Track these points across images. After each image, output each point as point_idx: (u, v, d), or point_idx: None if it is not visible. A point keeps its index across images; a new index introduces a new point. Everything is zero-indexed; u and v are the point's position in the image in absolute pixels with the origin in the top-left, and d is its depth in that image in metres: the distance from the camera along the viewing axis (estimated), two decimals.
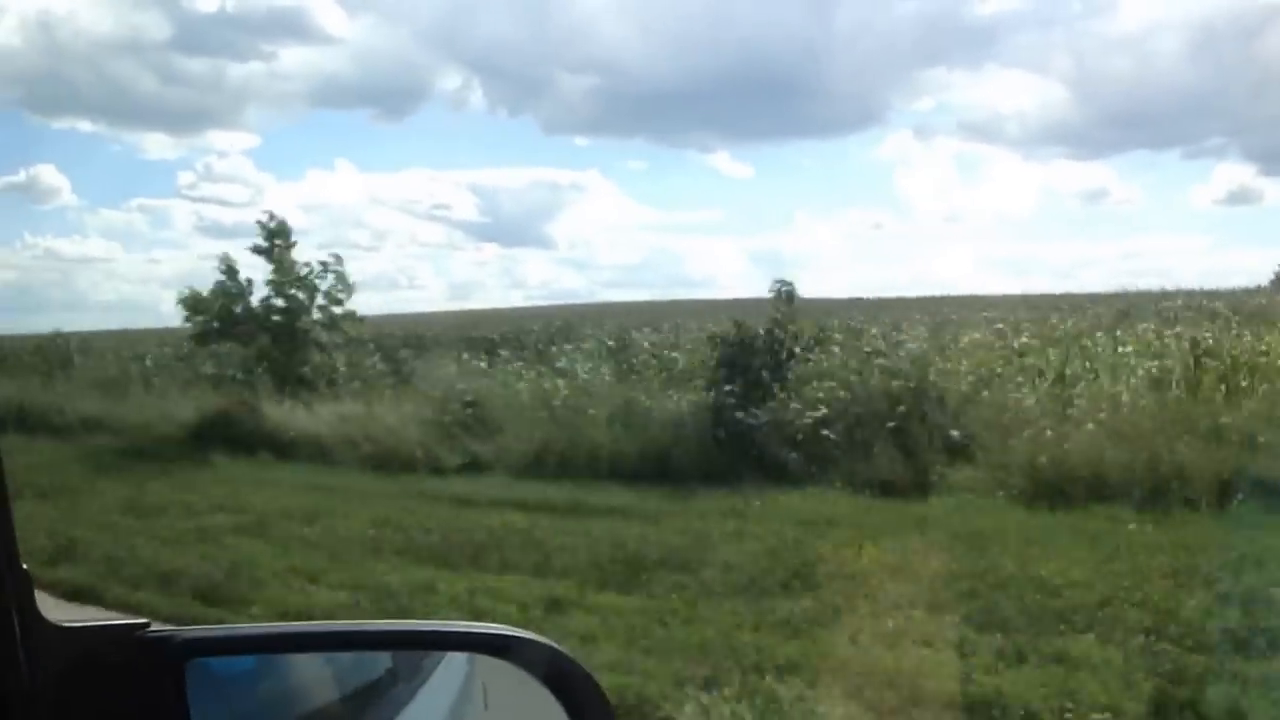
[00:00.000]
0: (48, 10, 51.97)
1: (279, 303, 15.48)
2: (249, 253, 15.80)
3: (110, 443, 13.91)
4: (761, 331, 11.70)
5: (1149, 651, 5.09)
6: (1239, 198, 52.96)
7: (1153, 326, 14.86)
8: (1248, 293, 21.80)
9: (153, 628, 1.11)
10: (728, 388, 11.00)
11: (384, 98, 60.42)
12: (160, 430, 14.10)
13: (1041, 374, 11.56)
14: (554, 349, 17.81)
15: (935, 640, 5.37)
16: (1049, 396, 10.46)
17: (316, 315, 15.64)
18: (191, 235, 59.06)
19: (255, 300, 15.57)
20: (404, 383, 15.09)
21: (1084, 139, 50.35)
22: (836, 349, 12.46)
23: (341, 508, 9.30)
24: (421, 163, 66.33)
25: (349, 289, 15.79)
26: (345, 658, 1.52)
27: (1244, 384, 9.94)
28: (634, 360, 15.22)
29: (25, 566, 0.98)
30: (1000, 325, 17.01)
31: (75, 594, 6.69)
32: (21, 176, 51.14)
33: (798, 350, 11.69)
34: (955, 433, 9.77)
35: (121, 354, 21.50)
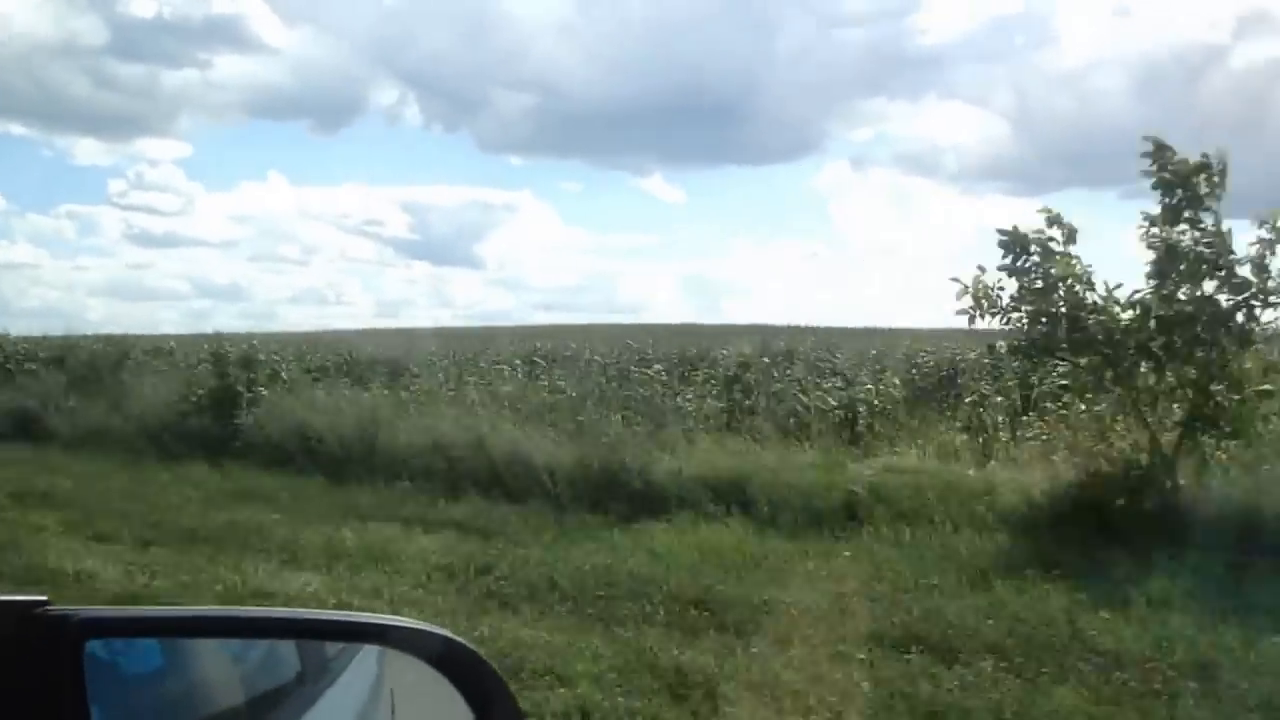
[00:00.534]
0: None
1: None
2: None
3: None
4: None
5: None
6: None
7: None
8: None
9: (51, 605, 1.09)
10: None
11: (319, 110, 60.21)
12: None
13: None
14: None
15: None
16: None
17: None
18: (120, 243, 58.22)
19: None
20: None
21: (1021, 175, 51.63)
22: None
23: None
24: (355, 177, 66.34)
25: None
26: (253, 656, 1.51)
27: None
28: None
29: None
30: None
31: None
32: None
33: None
34: None
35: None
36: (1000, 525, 7.52)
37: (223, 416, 12.50)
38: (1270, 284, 7.27)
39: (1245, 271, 7.33)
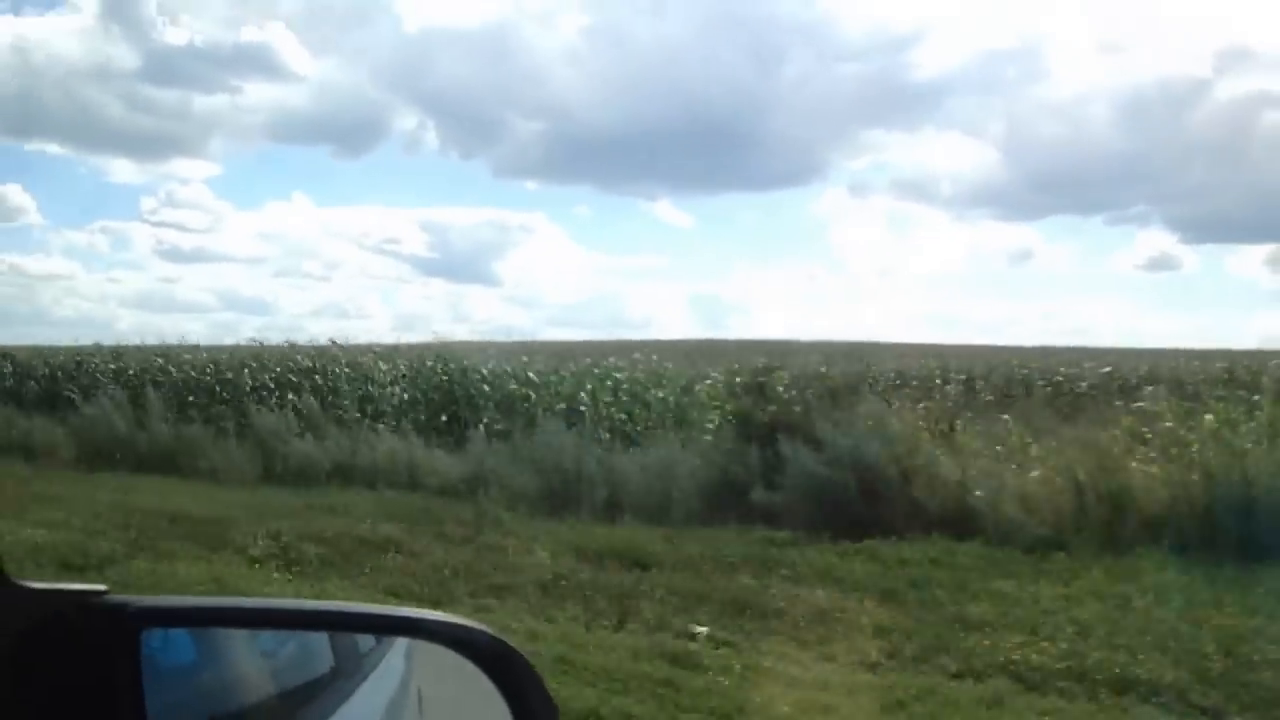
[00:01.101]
0: (23, 35, 53.31)
1: None
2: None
3: None
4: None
5: None
6: (1159, 264, 55.33)
7: None
8: None
9: (110, 594, 1.14)
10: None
11: (343, 135, 61.40)
12: None
13: None
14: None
15: None
16: None
17: None
18: (150, 257, 59.90)
19: None
20: None
21: (1013, 201, 52.30)
22: None
23: None
24: (375, 199, 67.75)
25: None
26: (289, 651, 1.55)
27: None
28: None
29: None
30: None
31: None
32: None
33: None
34: None
35: None
36: None
37: None
38: None
39: None
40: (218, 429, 13.86)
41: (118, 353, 19.49)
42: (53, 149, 61.27)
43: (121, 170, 67.27)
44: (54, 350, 21.52)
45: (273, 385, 15.97)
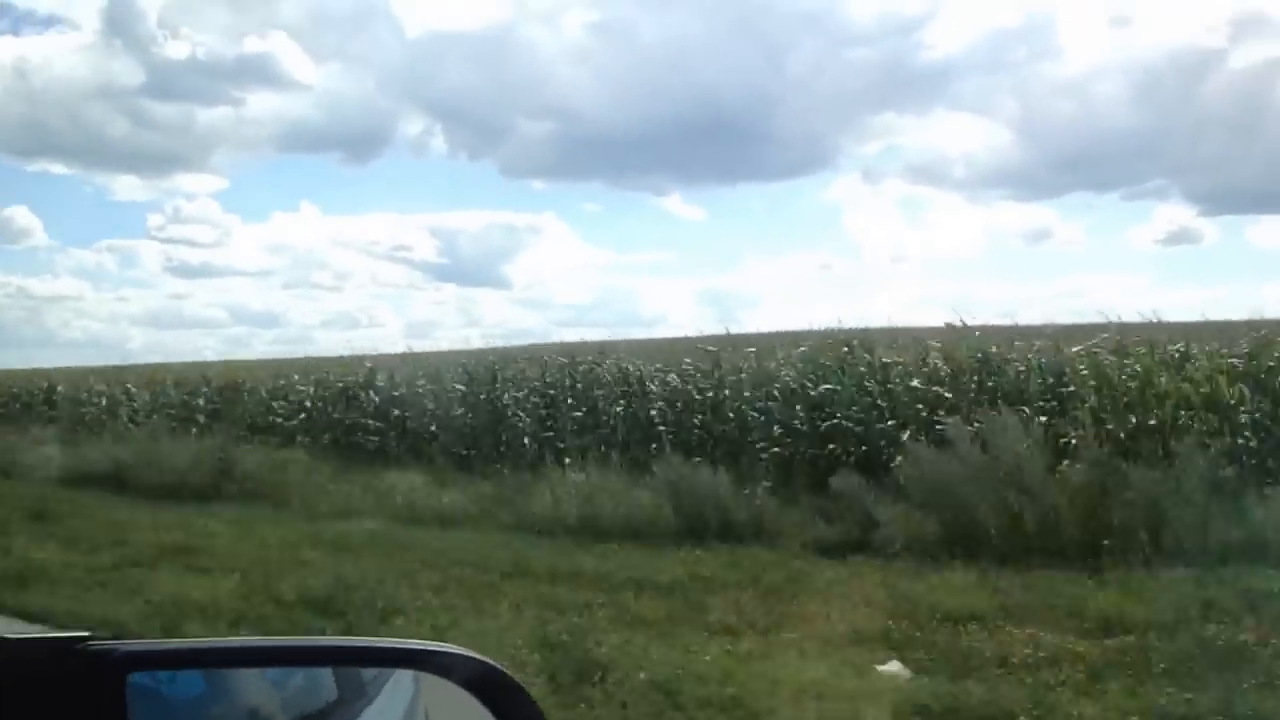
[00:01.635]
0: (24, 57, 53.74)
1: None
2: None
3: None
4: None
5: None
6: (1178, 238, 55.09)
7: None
8: None
9: (93, 641, 1.11)
10: None
11: (349, 143, 61.39)
12: None
13: None
14: None
15: None
16: None
17: None
18: (159, 275, 60.23)
19: None
20: None
21: (1027, 181, 51.93)
22: None
23: None
24: (384, 206, 67.85)
25: None
26: (292, 683, 1.53)
27: None
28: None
29: None
30: None
31: None
32: None
33: None
34: None
35: None
36: None
37: None
38: None
39: None
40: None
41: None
42: (57, 169, 61.73)
43: (127, 188, 67.74)
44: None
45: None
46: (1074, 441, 8.71)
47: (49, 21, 66.99)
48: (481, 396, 13.61)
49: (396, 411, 14.37)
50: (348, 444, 14.41)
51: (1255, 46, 42.70)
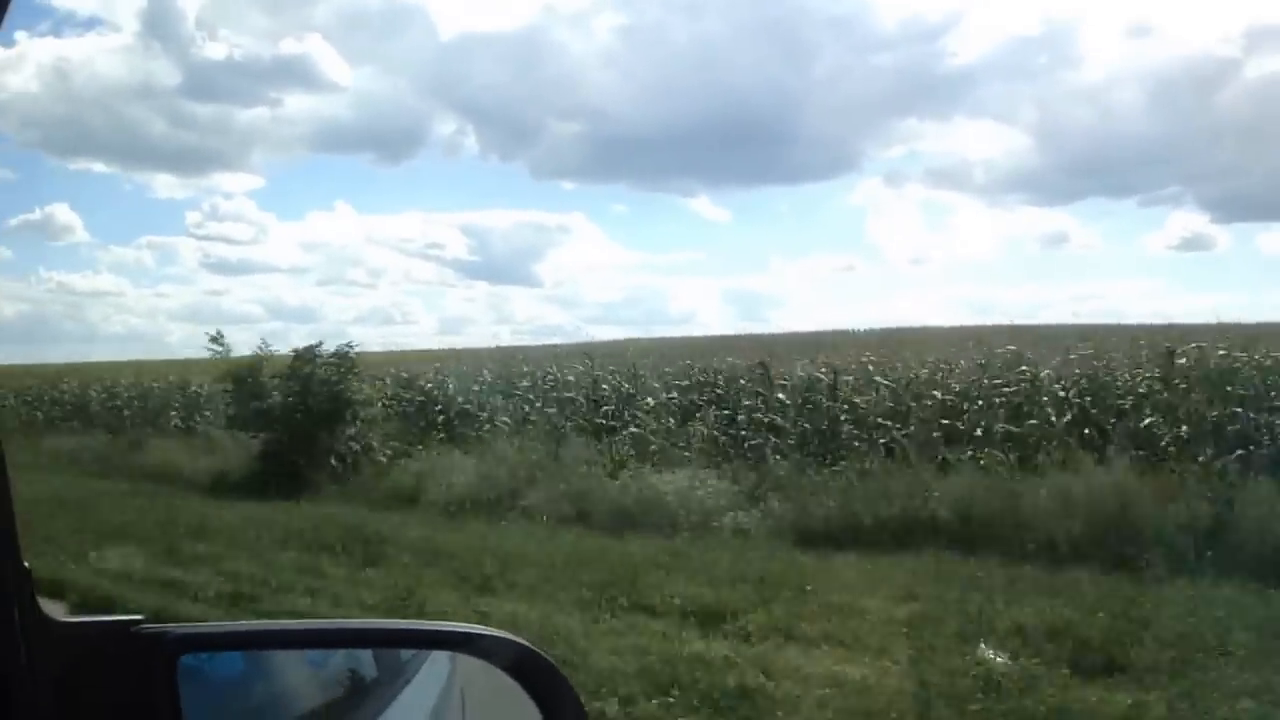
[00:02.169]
0: (65, 58, 54.65)
1: None
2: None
3: None
4: None
5: None
6: (1192, 244, 54.77)
7: None
8: None
9: (145, 624, 1.15)
10: None
11: (382, 143, 61.94)
12: None
13: None
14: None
15: None
16: None
17: None
18: (197, 271, 61.28)
19: None
20: None
21: (1046, 186, 51.72)
22: None
23: None
24: (416, 205, 68.34)
25: None
26: (332, 663, 1.57)
27: None
28: None
29: (27, 564, 1.02)
30: None
31: None
32: (38, 215, 54.09)
33: None
34: None
35: None
36: None
37: None
38: None
39: None
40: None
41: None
42: (98, 168, 62.92)
43: (165, 186, 68.87)
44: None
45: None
46: None
47: (89, 23, 68.19)
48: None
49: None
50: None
51: (1269, 57, 42.09)
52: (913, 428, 11.20)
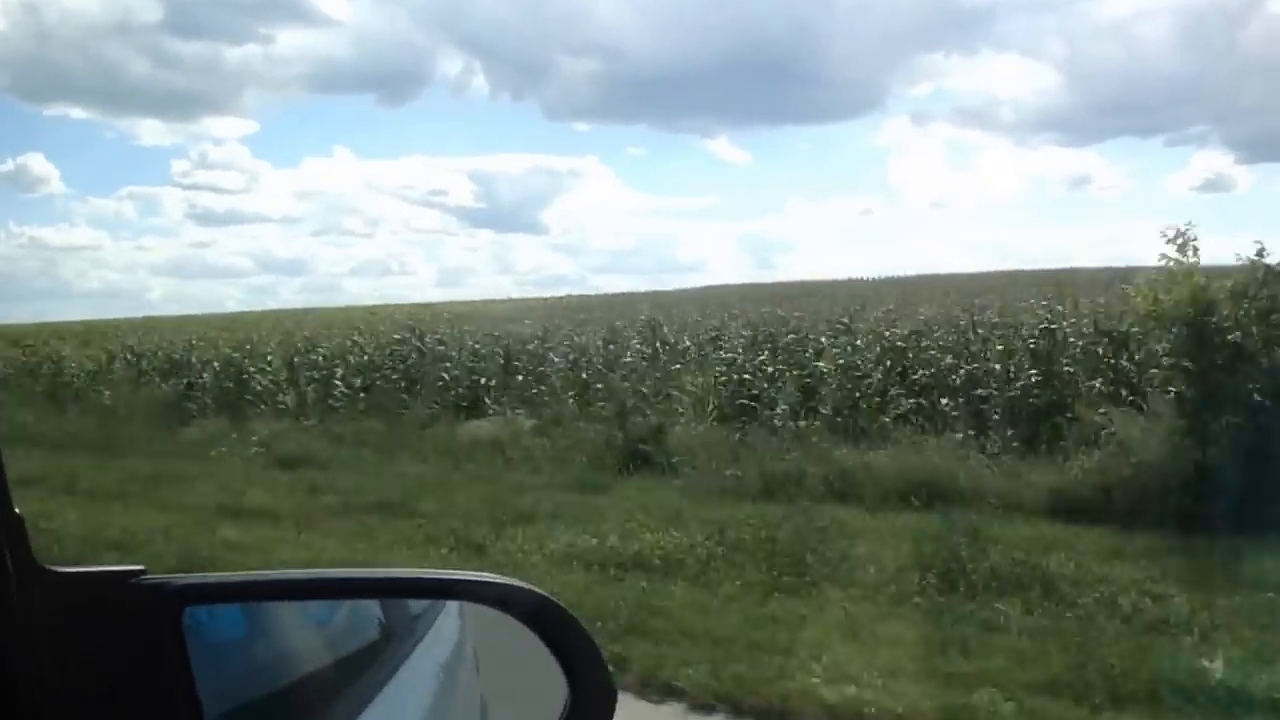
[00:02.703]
0: None
1: None
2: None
3: None
4: None
5: None
6: (1214, 185, 54.28)
7: None
8: None
9: (146, 574, 1.12)
10: None
11: (384, 82, 61.01)
12: None
13: None
14: None
15: None
16: None
17: None
18: (182, 223, 60.12)
19: None
20: None
21: (1074, 125, 51.36)
22: None
23: None
24: (421, 149, 67.66)
25: None
26: (337, 620, 1.54)
27: None
28: None
29: (19, 511, 0.98)
30: None
31: None
32: (9, 165, 52.26)
33: None
34: None
35: None
36: None
37: None
38: None
39: None
40: None
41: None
42: (76, 113, 61.94)
43: (150, 132, 67.53)
44: None
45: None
46: None
47: None
48: None
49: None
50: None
51: None
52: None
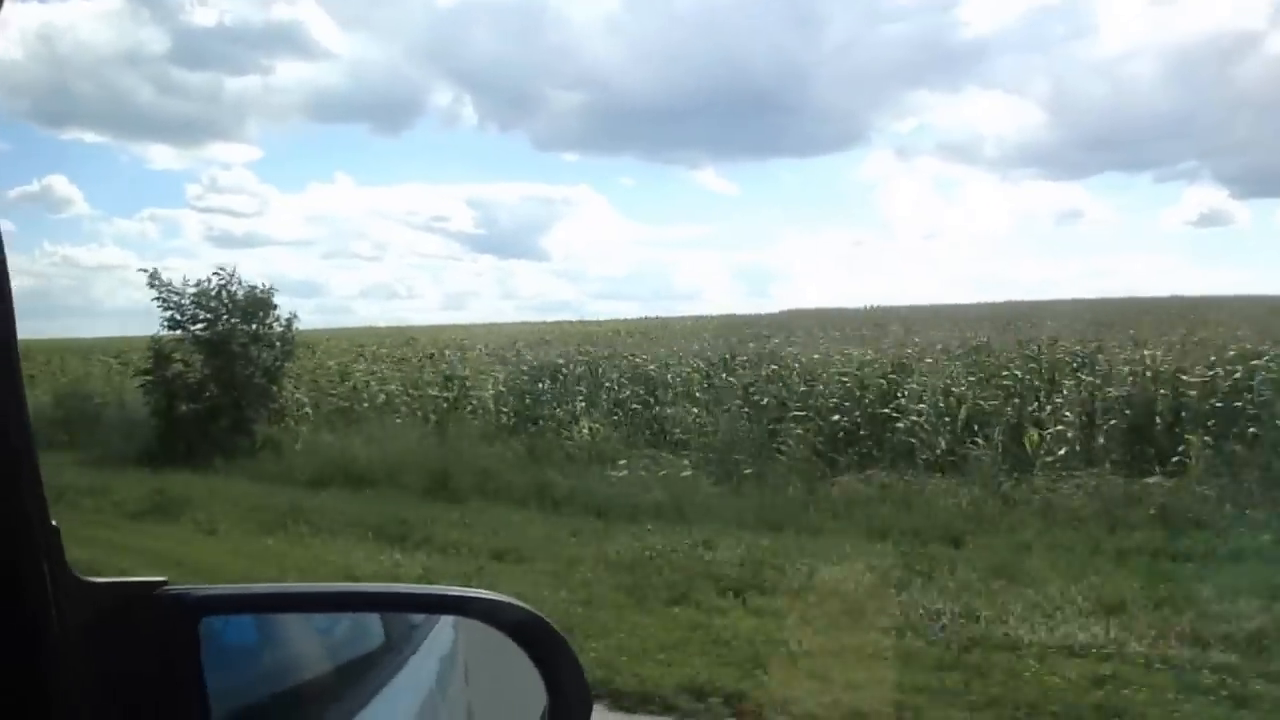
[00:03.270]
0: (49, 22, 53.34)
1: None
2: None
3: None
4: None
5: None
6: (1210, 220, 54.02)
7: None
8: None
9: (169, 585, 1.20)
10: None
11: (378, 112, 61.70)
12: None
13: None
14: None
15: None
16: None
17: None
18: (201, 245, 60.95)
19: None
20: None
21: (1059, 161, 51.29)
22: None
23: None
24: (418, 176, 67.83)
25: None
26: (340, 629, 1.63)
27: None
28: None
29: (55, 523, 1.06)
30: None
31: None
32: (35, 187, 53.26)
33: None
34: None
35: None
36: None
37: None
38: None
39: None
40: None
41: None
42: (90, 137, 62.59)
43: (162, 156, 68.30)
44: None
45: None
46: None
47: None
48: None
49: None
50: None
51: None
52: None
